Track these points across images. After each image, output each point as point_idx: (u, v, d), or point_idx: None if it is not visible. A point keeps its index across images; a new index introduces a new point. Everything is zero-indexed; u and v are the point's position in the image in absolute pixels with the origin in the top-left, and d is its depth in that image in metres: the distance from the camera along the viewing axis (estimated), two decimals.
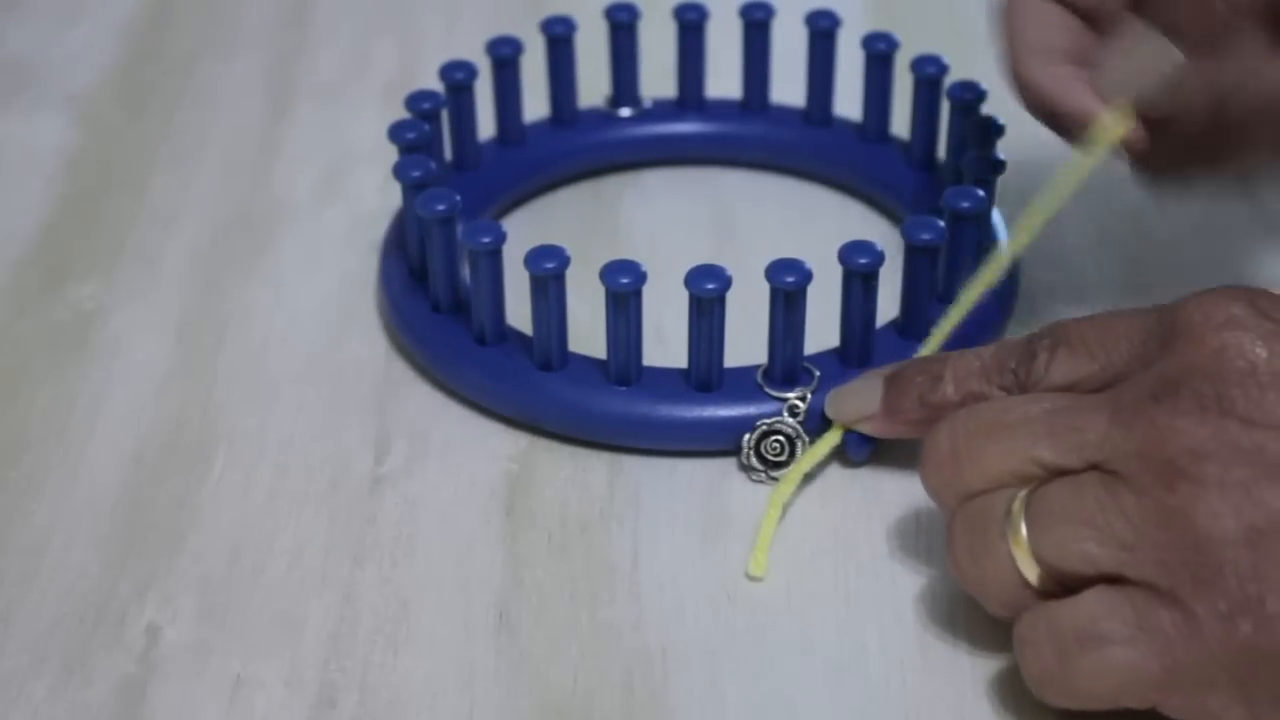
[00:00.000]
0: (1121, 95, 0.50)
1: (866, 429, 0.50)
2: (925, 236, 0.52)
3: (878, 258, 0.51)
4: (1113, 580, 0.42)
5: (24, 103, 0.70)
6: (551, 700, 0.45)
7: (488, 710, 0.45)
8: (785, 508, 0.50)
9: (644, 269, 0.51)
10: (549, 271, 0.51)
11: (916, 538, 0.50)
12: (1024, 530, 0.43)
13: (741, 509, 0.51)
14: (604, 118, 0.64)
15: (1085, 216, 0.61)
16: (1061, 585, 0.43)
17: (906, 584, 0.48)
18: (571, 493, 0.51)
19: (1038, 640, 0.43)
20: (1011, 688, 0.45)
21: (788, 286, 0.50)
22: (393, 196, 0.59)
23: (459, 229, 0.53)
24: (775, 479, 0.51)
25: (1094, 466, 0.43)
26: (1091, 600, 0.42)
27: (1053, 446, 0.44)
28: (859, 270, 0.51)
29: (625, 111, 0.64)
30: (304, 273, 0.61)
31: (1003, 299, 0.56)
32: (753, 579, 0.48)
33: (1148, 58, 0.49)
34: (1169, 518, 0.41)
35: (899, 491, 0.51)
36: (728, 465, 0.52)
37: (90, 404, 0.55)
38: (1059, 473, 0.44)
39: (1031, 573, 0.43)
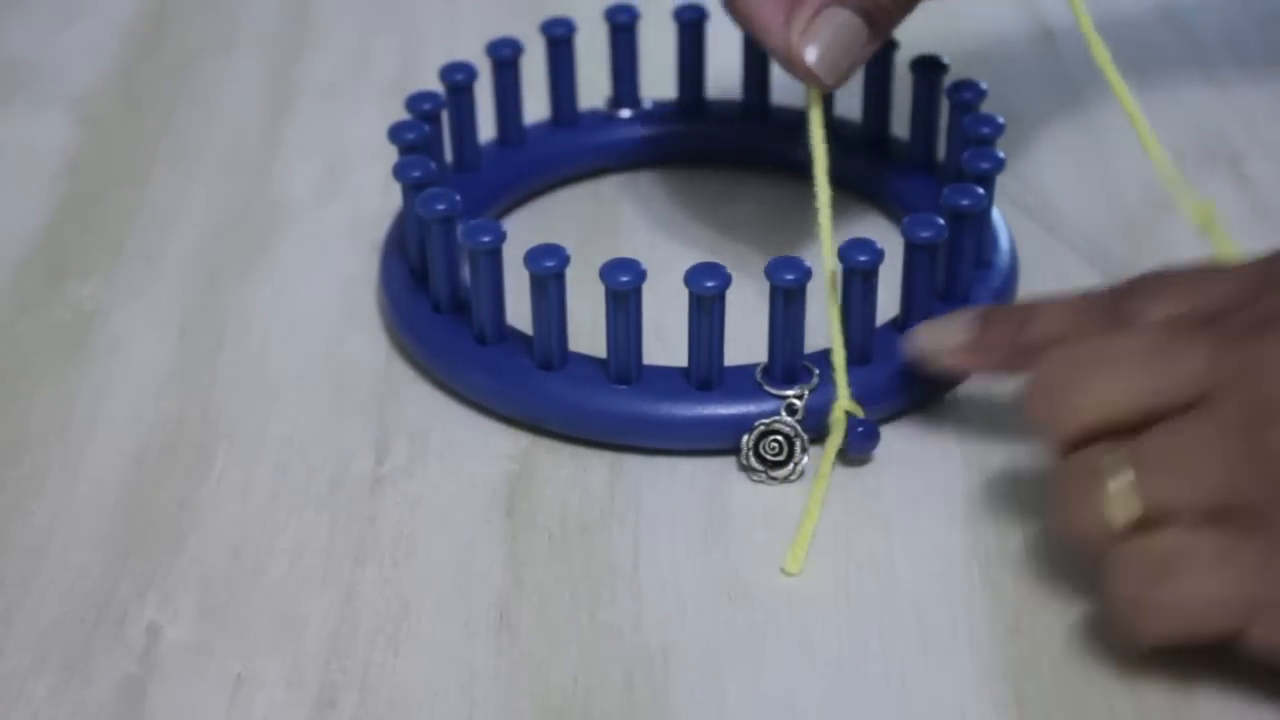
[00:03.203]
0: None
1: (951, 361, 0.51)
2: (925, 234, 0.52)
3: (877, 255, 0.51)
4: (1208, 517, 0.43)
5: (24, 103, 0.70)
6: (552, 700, 0.45)
7: (488, 710, 0.45)
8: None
9: (643, 267, 0.51)
10: (549, 270, 0.51)
11: (917, 538, 0.50)
12: (1129, 477, 0.44)
13: (742, 509, 0.51)
14: (604, 118, 0.64)
15: (1084, 218, 0.62)
16: (1158, 528, 0.44)
17: (906, 584, 0.48)
18: (572, 493, 0.51)
19: (1126, 569, 0.44)
20: (1012, 687, 0.45)
21: (787, 284, 0.50)
22: (393, 196, 0.59)
23: (459, 229, 0.53)
24: (775, 479, 0.51)
25: (1196, 398, 0.44)
26: (1180, 531, 0.43)
27: (1155, 376, 0.44)
28: (859, 268, 0.51)
29: (625, 112, 0.64)
30: (304, 272, 0.61)
31: (1004, 297, 0.56)
32: (788, 575, 0.48)
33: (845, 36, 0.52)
34: (1265, 456, 0.42)
35: (899, 491, 0.51)
36: (728, 465, 0.52)
37: (90, 404, 0.55)
38: (1161, 404, 0.44)
39: (1130, 513, 0.44)
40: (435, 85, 0.60)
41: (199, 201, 0.64)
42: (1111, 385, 0.45)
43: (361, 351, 0.57)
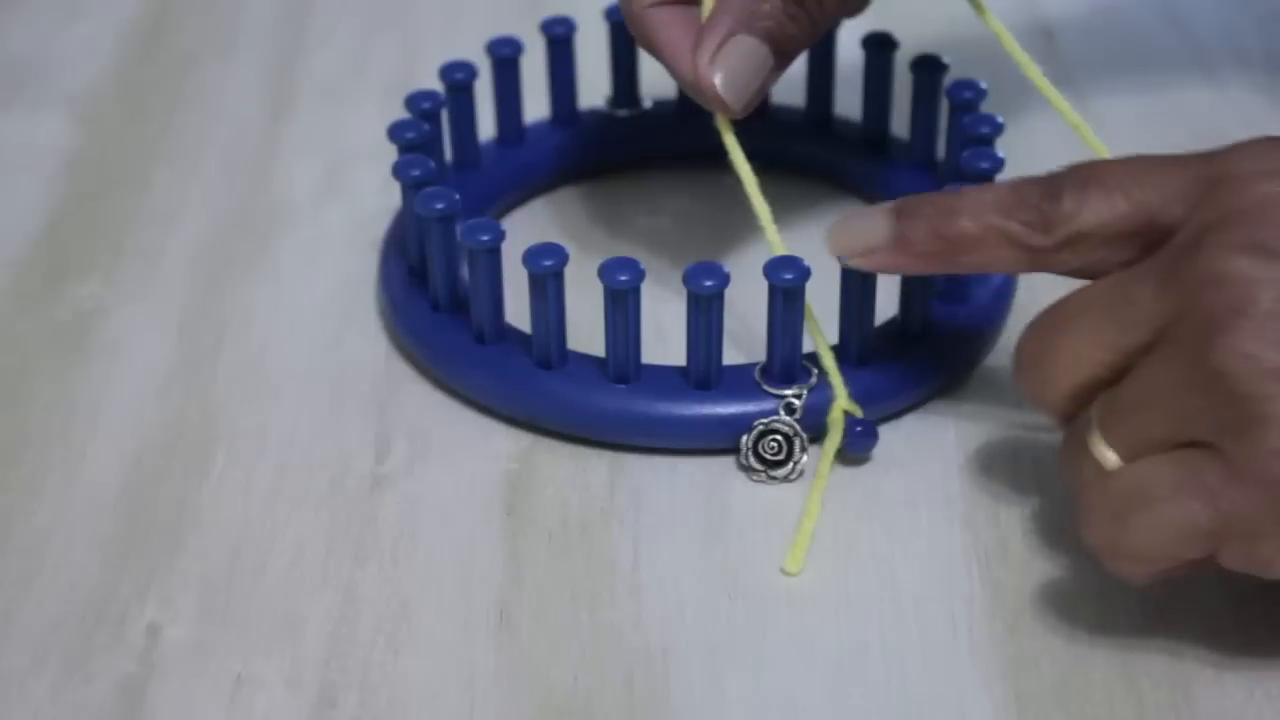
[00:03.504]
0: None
1: (871, 264, 0.49)
2: None
3: None
4: (1170, 450, 0.43)
5: (24, 102, 0.70)
6: (552, 700, 0.45)
7: (488, 710, 0.45)
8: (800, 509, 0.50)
9: (642, 267, 0.51)
10: (547, 269, 0.51)
11: (917, 538, 0.50)
12: (1099, 433, 0.44)
13: (742, 509, 0.51)
14: (604, 118, 0.64)
15: None
16: None
17: (906, 584, 0.48)
18: (572, 492, 0.51)
19: (1093, 508, 0.44)
20: (1012, 687, 0.45)
21: (786, 284, 0.50)
22: (393, 196, 0.59)
23: (458, 228, 0.53)
24: (775, 478, 0.51)
25: (1156, 335, 0.44)
26: (1141, 465, 0.44)
27: (1114, 325, 0.44)
28: (857, 268, 0.51)
29: (624, 112, 0.64)
30: (304, 272, 0.61)
31: (1003, 296, 0.56)
32: (788, 575, 0.48)
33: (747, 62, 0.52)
34: (1211, 378, 0.42)
35: (899, 491, 0.51)
36: (728, 465, 0.52)
37: (90, 404, 0.55)
38: (1128, 349, 0.44)
39: (1112, 468, 0.44)
40: (435, 85, 0.60)
41: (199, 201, 0.64)
42: (1074, 348, 0.45)
43: (361, 351, 0.57)
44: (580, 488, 0.51)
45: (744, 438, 0.51)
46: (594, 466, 0.52)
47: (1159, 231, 0.45)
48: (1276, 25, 0.73)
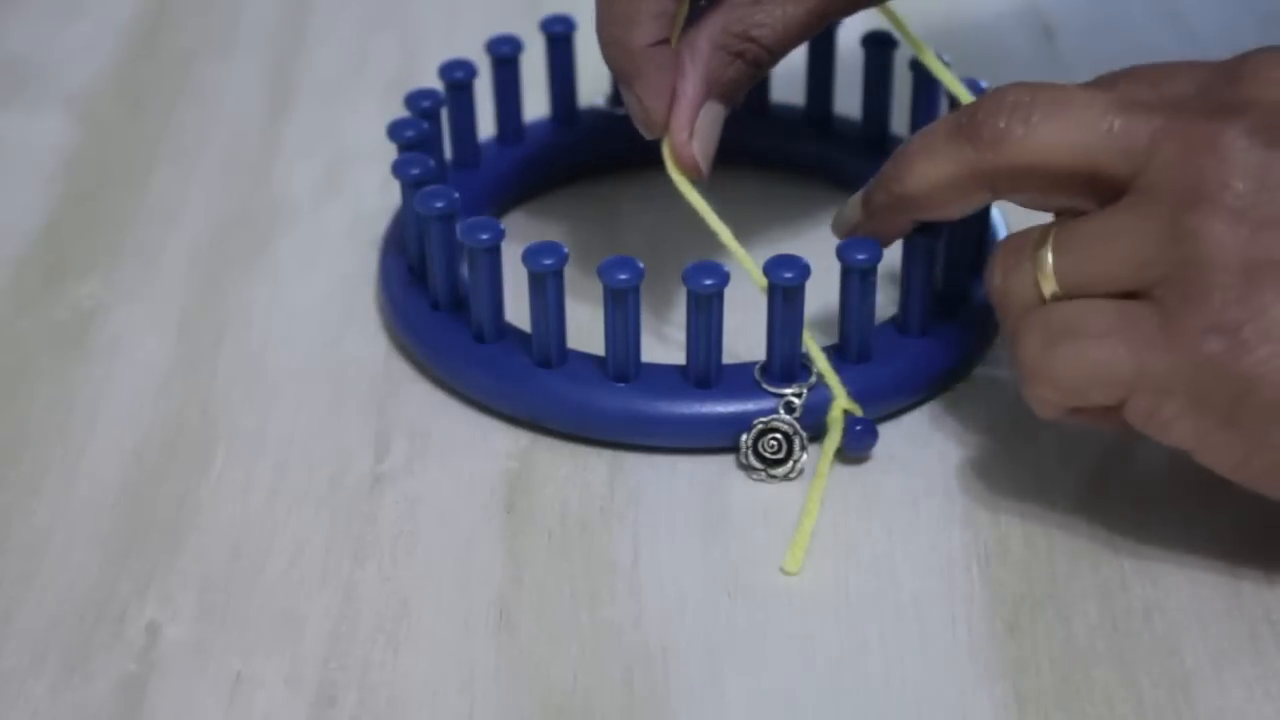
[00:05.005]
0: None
1: (859, 234, 0.52)
2: (923, 233, 0.52)
3: (876, 254, 0.51)
4: (1114, 295, 0.45)
5: (24, 101, 0.70)
6: (552, 698, 0.45)
7: (488, 708, 0.45)
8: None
9: (642, 266, 0.51)
10: (547, 268, 0.51)
11: (917, 537, 0.50)
12: (1049, 256, 0.46)
13: (742, 507, 0.51)
14: (604, 117, 0.64)
15: None
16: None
17: (906, 584, 0.48)
18: (572, 491, 0.51)
19: (1030, 331, 0.46)
20: (1012, 686, 0.45)
21: (786, 283, 0.50)
22: (392, 195, 0.59)
23: (458, 227, 0.53)
24: (774, 477, 0.51)
25: (1130, 176, 0.45)
26: (1082, 303, 0.45)
27: (1099, 136, 0.46)
28: (857, 267, 0.51)
29: (624, 110, 0.64)
30: (304, 271, 0.61)
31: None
32: (788, 574, 0.48)
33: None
34: (1181, 236, 0.44)
35: (899, 491, 0.51)
36: (728, 463, 0.52)
37: (90, 403, 0.55)
38: (1099, 165, 0.46)
39: (1049, 291, 0.46)
40: (435, 83, 0.59)
41: (199, 201, 0.64)
42: (1058, 130, 0.46)
43: (361, 350, 0.57)
44: (580, 486, 0.51)
45: (744, 436, 0.51)
46: (594, 465, 0.52)
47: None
48: (1276, 25, 0.73)
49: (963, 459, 0.52)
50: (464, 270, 0.54)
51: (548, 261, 0.51)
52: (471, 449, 0.53)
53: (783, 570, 0.49)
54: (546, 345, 0.52)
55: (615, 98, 0.64)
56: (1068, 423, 0.48)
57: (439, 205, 0.53)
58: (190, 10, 0.76)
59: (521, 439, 0.53)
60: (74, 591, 0.48)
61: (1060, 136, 0.46)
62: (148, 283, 0.60)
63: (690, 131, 0.52)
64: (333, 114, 0.69)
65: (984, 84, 0.58)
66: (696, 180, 0.53)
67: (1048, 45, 0.72)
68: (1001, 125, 0.47)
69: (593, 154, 0.64)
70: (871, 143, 0.62)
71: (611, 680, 0.46)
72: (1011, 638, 0.47)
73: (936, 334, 0.54)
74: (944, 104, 0.59)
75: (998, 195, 0.49)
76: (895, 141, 0.62)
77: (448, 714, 0.45)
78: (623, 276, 0.50)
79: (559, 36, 0.61)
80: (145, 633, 0.47)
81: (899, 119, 0.62)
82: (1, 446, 0.53)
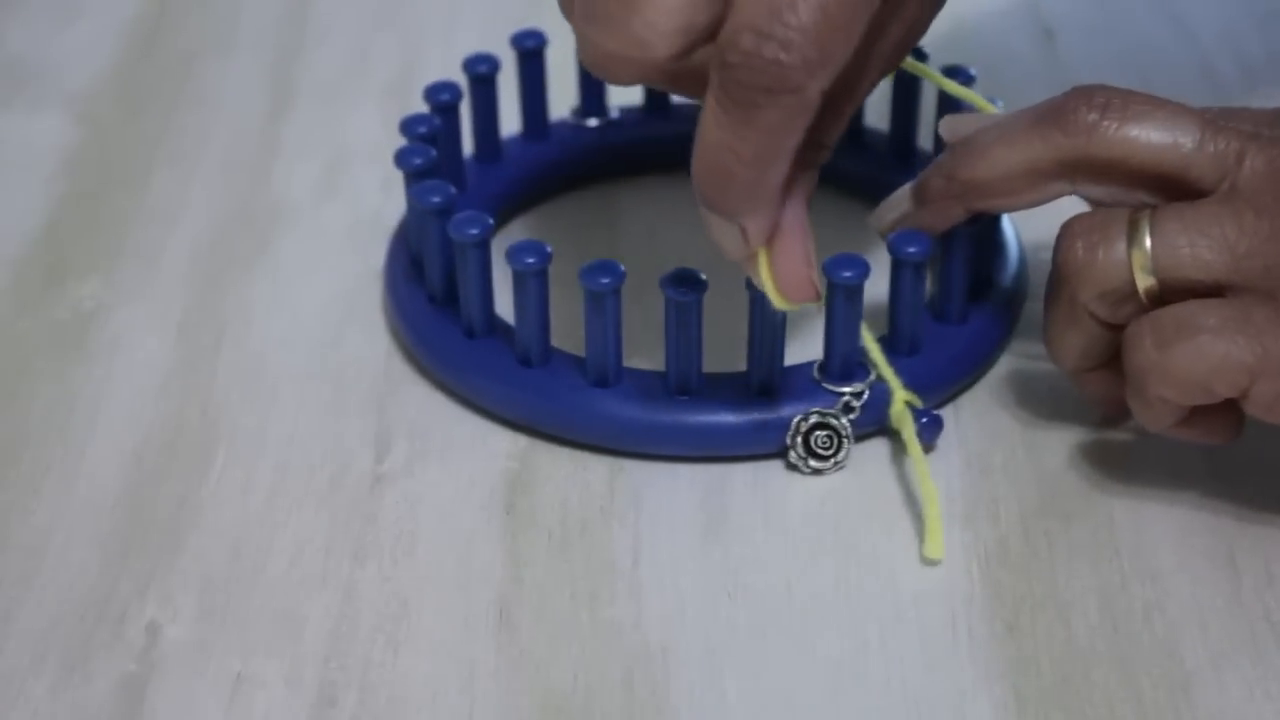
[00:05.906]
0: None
1: (907, 225, 0.52)
2: (967, 222, 0.53)
3: (928, 247, 0.51)
4: (1221, 293, 0.46)
5: (23, 102, 0.70)
6: (552, 699, 0.45)
7: (488, 708, 0.45)
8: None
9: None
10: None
11: (916, 537, 0.50)
12: (1148, 239, 0.47)
13: (742, 508, 0.51)
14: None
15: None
16: (1167, 301, 0.47)
17: (906, 584, 0.48)
18: (572, 491, 0.51)
19: (1141, 334, 0.47)
20: (1011, 687, 0.45)
21: (846, 281, 0.50)
22: (392, 195, 0.59)
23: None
24: (813, 469, 0.51)
25: (1217, 183, 0.47)
26: (1190, 303, 0.46)
27: (1198, 145, 0.47)
28: (910, 260, 0.51)
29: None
30: (304, 271, 0.61)
31: (1019, 281, 0.56)
32: (929, 563, 0.48)
33: None
34: None
35: (900, 491, 0.51)
36: (728, 464, 0.52)
37: (90, 403, 0.55)
38: (1186, 167, 0.47)
39: (1144, 282, 0.47)
40: (433, 85, 0.59)
41: (199, 201, 0.64)
42: (1153, 129, 0.48)
43: (361, 350, 0.57)
44: (580, 486, 0.51)
45: (796, 420, 0.51)
46: (593, 465, 0.52)
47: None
48: (1276, 25, 0.73)
49: (963, 460, 0.52)
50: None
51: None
52: (472, 449, 0.53)
53: (925, 559, 0.48)
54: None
55: (584, 110, 0.63)
56: (1174, 436, 0.48)
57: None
58: (190, 10, 0.76)
59: (521, 439, 0.53)
60: (74, 591, 0.48)
61: (1155, 135, 0.48)
62: (148, 283, 0.60)
63: (808, 261, 0.48)
64: (333, 114, 0.69)
65: (999, 103, 0.58)
66: (815, 302, 0.49)
67: (1048, 46, 0.72)
68: (1094, 117, 0.48)
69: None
70: (899, 154, 0.62)
71: (611, 680, 0.46)
72: (1011, 638, 0.47)
73: (974, 322, 0.54)
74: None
75: (1074, 187, 0.49)
76: (923, 155, 0.62)
77: (448, 714, 0.45)
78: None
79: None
80: (145, 633, 0.47)
81: (924, 133, 0.62)
82: (1, 446, 0.53)
